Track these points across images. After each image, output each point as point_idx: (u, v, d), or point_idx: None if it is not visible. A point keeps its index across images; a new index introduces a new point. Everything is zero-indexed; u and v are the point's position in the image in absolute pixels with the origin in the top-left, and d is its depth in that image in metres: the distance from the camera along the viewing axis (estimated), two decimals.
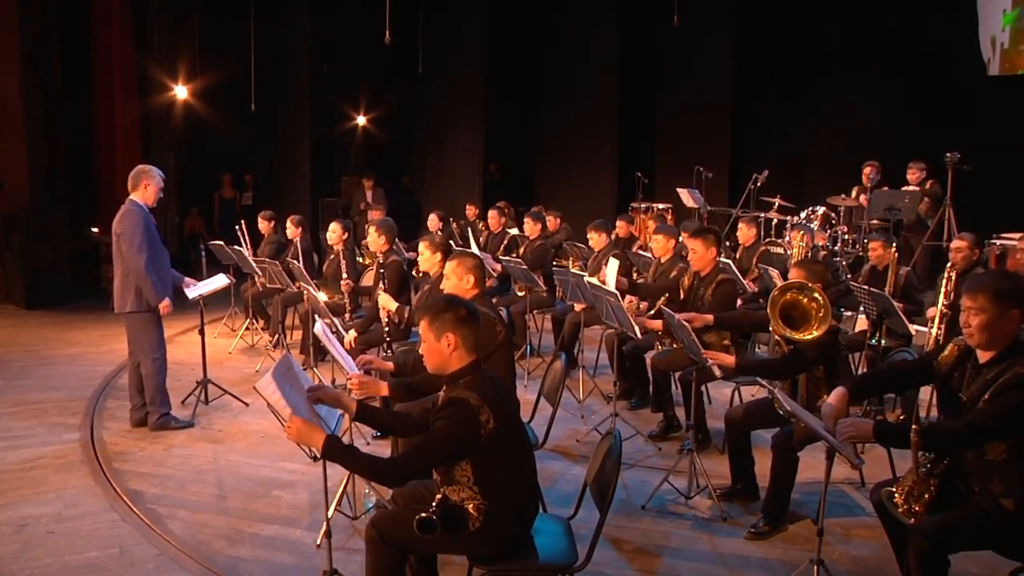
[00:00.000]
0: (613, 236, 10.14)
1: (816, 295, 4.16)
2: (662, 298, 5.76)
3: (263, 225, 8.90)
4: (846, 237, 9.94)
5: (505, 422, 2.97)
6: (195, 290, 6.03)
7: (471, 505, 2.99)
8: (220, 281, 6.33)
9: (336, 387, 5.93)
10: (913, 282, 6.43)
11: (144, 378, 5.67)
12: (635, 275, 7.88)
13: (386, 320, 5.86)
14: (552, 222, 9.65)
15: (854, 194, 9.97)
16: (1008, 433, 2.97)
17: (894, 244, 6.49)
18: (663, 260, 6.64)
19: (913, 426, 2.96)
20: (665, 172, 14.10)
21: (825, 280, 4.32)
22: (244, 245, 8.17)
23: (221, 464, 5.22)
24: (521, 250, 8.64)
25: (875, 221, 9.43)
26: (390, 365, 4.60)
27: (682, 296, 5.70)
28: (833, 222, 10.11)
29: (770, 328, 4.49)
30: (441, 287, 4.65)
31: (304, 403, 3.24)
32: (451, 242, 6.49)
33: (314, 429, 2.99)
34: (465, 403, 2.93)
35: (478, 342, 3.12)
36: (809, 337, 4.14)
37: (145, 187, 5.48)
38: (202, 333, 6.27)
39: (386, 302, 5.76)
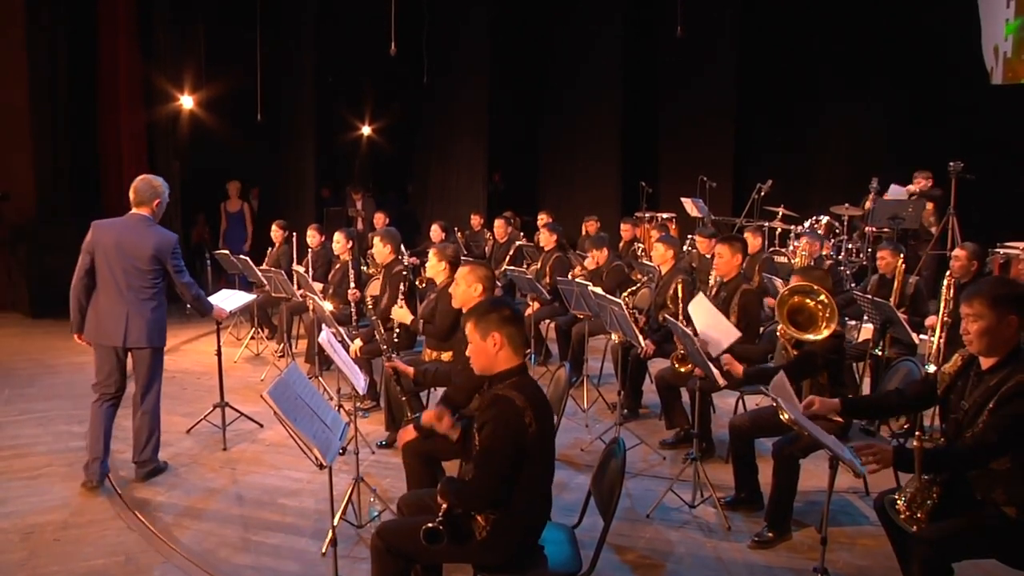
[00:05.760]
0: (620, 245, 10.26)
1: (822, 298, 4.19)
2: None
3: (276, 233, 8.90)
4: (850, 246, 9.95)
5: (544, 430, 2.98)
6: (225, 305, 5.79)
7: (480, 515, 3.00)
8: (246, 297, 6.24)
9: (341, 396, 5.98)
10: (922, 292, 6.45)
11: (147, 421, 5.01)
12: (633, 276, 7.94)
13: (397, 330, 5.87)
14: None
15: (868, 204, 9.96)
16: (1016, 445, 2.97)
17: (901, 254, 6.50)
18: (663, 271, 6.65)
19: (916, 432, 2.97)
20: (668, 181, 14.13)
21: (826, 287, 4.33)
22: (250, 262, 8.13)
23: (227, 472, 5.23)
24: (538, 263, 8.59)
25: (874, 229, 9.43)
26: (411, 369, 4.71)
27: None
28: (837, 231, 10.12)
29: (777, 332, 4.51)
30: (450, 291, 4.69)
31: (310, 416, 3.27)
32: (459, 251, 6.49)
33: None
34: (510, 402, 2.92)
35: (524, 342, 3.14)
36: (817, 337, 4.16)
37: (157, 204, 4.89)
38: (219, 354, 5.83)
39: (402, 316, 5.74)
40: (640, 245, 10.52)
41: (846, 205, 10.05)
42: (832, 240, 9.96)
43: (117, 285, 4.80)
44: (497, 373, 3.07)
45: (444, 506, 3.01)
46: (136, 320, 4.81)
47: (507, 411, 2.91)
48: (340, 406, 5.84)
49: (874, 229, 9.53)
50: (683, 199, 11.89)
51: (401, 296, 5.83)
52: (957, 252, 5.97)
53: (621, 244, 10.40)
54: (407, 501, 3.47)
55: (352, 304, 6.98)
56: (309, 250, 8.12)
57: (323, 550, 4.12)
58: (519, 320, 3.13)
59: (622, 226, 10.64)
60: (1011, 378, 2.98)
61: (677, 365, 5.37)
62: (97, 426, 4.93)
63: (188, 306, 5.27)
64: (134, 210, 4.88)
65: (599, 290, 6.03)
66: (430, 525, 2.88)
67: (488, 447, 2.93)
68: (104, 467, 4.96)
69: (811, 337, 4.19)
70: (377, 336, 5.44)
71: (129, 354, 4.96)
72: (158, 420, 5.11)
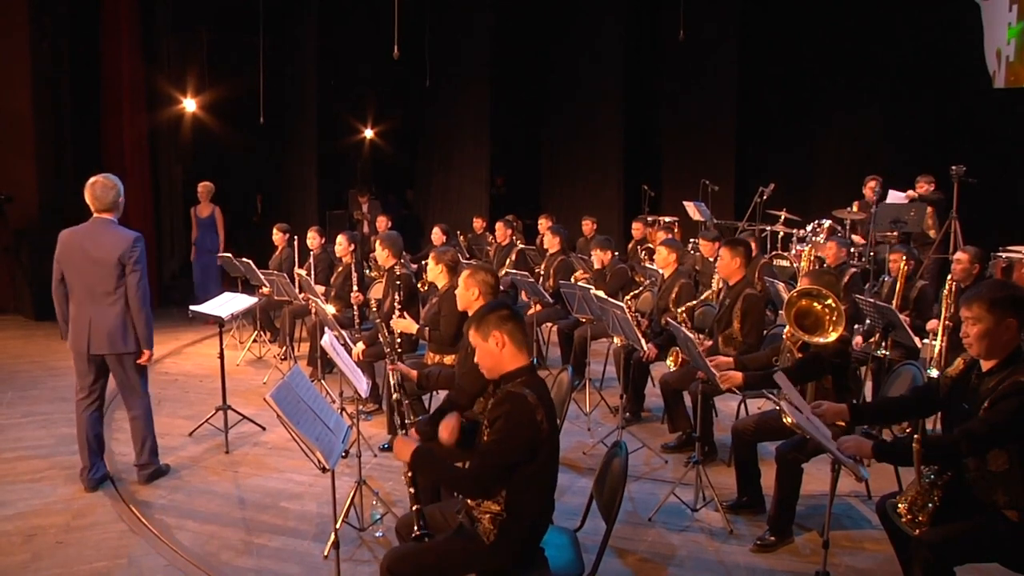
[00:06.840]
0: (630, 244, 10.28)
1: (830, 302, 4.19)
2: (683, 312, 5.81)
3: (277, 237, 8.90)
4: (852, 250, 9.94)
5: (552, 430, 2.98)
6: (226, 308, 5.83)
7: (486, 517, 2.99)
8: (247, 300, 6.19)
9: (343, 399, 5.98)
10: (928, 296, 6.45)
11: (139, 426, 5.00)
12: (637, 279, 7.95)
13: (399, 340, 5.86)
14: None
15: (855, 208, 9.98)
16: (1007, 440, 2.98)
17: (904, 257, 6.49)
18: (666, 275, 6.67)
19: (915, 436, 2.98)
20: (671, 185, 14.15)
21: (835, 292, 4.33)
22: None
23: (229, 475, 5.24)
24: (542, 265, 8.57)
25: (863, 235, 9.44)
26: (414, 373, 4.72)
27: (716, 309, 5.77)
28: (839, 234, 10.11)
29: (784, 335, 4.51)
30: (455, 293, 4.70)
31: (312, 419, 3.27)
32: (458, 255, 6.49)
33: (406, 443, 3.09)
34: (522, 399, 2.91)
35: (527, 340, 3.14)
36: (825, 340, 4.16)
37: (121, 204, 4.81)
38: (221, 357, 5.80)
39: (406, 327, 5.73)
40: (646, 247, 10.52)
41: (848, 209, 10.06)
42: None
43: (81, 292, 4.74)
44: (506, 373, 3.07)
45: (408, 473, 3.02)
46: (99, 326, 4.73)
47: (520, 407, 2.90)
48: (343, 409, 5.86)
49: (864, 235, 9.54)
50: (685, 203, 11.90)
51: (398, 305, 5.81)
52: (959, 256, 5.98)
53: (631, 244, 10.44)
54: (403, 524, 3.43)
55: (355, 307, 6.98)
56: (311, 253, 8.13)
57: (325, 553, 4.12)
58: (518, 318, 3.13)
59: (633, 224, 10.72)
60: (1008, 379, 2.99)
61: (670, 362, 5.33)
62: (81, 435, 4.93)
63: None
64: (97, 215, 4.78)
65: (601, 293, 6.05)
66: (416, 534, 2.88)
67: (498, 439, 2.91)
68: (94, 474, 4.96)
69: (819, 340, 4.19)
70: (381, 339, 5.45)
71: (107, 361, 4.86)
72: (150, 423, 5.07)
